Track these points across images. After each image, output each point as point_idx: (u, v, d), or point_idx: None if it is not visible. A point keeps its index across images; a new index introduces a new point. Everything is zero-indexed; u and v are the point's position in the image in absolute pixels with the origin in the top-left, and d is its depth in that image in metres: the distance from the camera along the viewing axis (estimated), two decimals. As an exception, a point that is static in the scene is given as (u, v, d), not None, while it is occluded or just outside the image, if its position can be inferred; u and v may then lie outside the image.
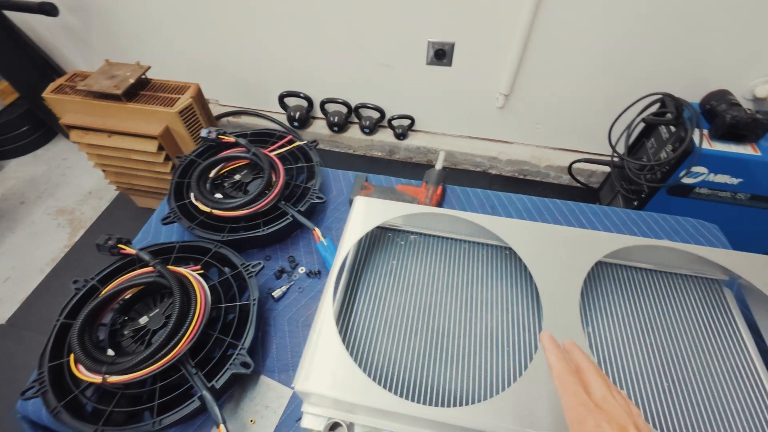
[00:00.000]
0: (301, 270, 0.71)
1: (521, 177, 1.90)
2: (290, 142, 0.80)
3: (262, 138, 0.84)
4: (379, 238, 0.67)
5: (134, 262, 0.64)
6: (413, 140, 1.88)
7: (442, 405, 0.47)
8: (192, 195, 0.73)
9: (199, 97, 1.35)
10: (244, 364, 0.54)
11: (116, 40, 1.84)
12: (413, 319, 0.56)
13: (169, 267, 0.61)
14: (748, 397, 0.49)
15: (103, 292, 0.59)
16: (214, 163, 0.76)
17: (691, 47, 1.30)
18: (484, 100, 1.69)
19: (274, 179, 0.74)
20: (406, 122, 1.84)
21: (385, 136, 1.90)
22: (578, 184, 1.81)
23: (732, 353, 0.54)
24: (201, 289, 0.58)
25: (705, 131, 1.16)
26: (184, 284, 0.58)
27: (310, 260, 0.73)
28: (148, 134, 1.28)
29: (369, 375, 0.50)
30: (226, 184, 0.77)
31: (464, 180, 1.89)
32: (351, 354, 0.52)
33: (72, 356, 0.53)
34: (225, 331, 0.58)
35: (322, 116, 1.92)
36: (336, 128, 1.89)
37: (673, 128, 1.24)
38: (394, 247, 0.66)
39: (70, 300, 0.60)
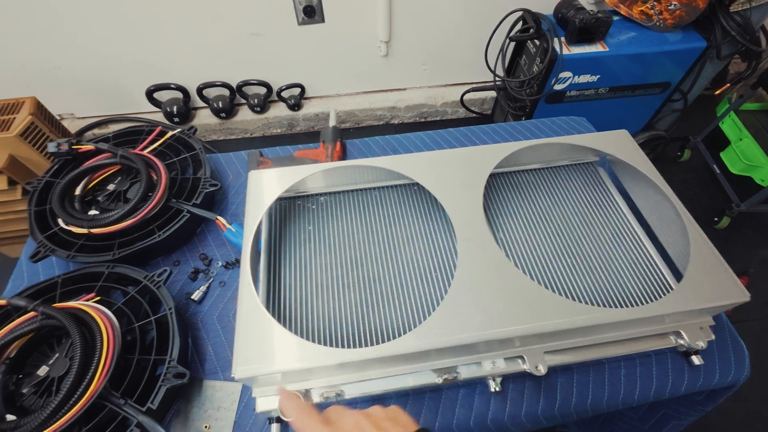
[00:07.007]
0: (218, 264, 0.67)
1: (423, 120, 1.95)
2: (162, 133, 0.71)
3: (130, 137, 0.74)
4: (289, 209, 0.65)
5: (9, 315, 0.54)
6: (309, 108, 1.81)
7: (388, 341, 0.49)
8: (60, 221, 0.62)
9: (42, 112, 1.15)
10: (178, 375, 0.50)
11: None
12: (342, 274, 0.56)
13: (55, 305, 0.53)
14: (630, 250, 0.59)
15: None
16: (75, 178, 0.65)
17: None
18: (368, 52, 1.67)
19: (155, 178, 0.66)
20: (297, 91, 1.76)
21: (278, 110, 1.80)
22: (474, 114, 1.91)
23: (613, 220, 0.63)
24: (102, 317, 0.52)
25: (562, 38, 1.27)
26: (80, 318, 0.51)
27: (225, 252, 0.68)
28: (-11, 170, 1.06)
29: (310, 339, 0.50)
30: (100, 198, 0.67)
31: (370, 136, 1.89)
32: (287, 326, 0.51)
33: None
34: (147, 350, 0.53)
35: (204, 104, 1.75)
36: (223, 114, 1.74)
37: (537, 42, 1.35)
38: (307, 213, 0.64)
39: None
